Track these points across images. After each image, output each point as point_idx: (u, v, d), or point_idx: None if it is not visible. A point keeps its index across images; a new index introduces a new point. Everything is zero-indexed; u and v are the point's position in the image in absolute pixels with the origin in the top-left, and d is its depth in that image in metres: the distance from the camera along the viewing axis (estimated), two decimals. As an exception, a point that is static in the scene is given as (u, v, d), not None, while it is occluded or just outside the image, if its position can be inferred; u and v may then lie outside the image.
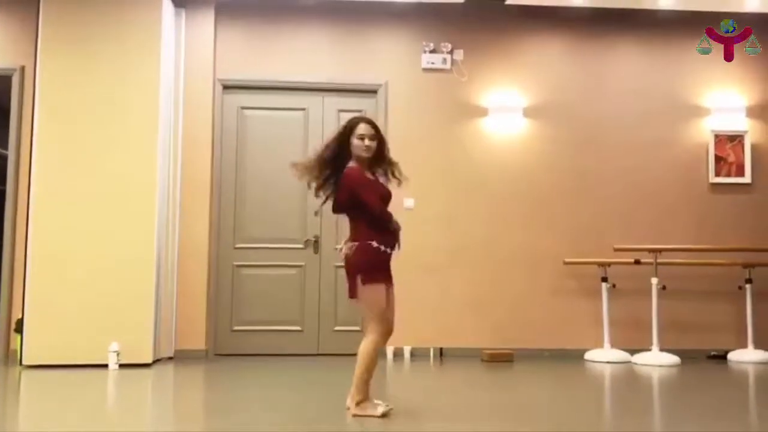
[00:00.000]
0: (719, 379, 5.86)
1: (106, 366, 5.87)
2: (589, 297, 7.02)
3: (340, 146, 4.09)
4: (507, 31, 7.29)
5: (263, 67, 7.09)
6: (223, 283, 6.92)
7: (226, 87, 7.04)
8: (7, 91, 6.78)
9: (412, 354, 6.90)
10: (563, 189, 7.18)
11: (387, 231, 4.01)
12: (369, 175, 4.10)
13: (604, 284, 6.87)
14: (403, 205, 6.68)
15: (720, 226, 7.22)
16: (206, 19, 6.98)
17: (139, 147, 6.18)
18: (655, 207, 7.22)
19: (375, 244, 3.95)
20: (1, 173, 7.03)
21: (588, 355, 6.84)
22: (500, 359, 6.62)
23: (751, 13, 7.19)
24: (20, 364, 5.97)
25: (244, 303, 6.93)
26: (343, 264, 4.11)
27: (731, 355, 6.89)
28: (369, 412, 3.94)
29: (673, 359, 6.52)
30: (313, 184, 4.12)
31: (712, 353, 6.99)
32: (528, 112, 7.23)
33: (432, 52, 7.18)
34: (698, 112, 7.36)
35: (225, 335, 6.89)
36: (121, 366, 5.88)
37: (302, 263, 7.01)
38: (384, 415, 3.92)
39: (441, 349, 6.96)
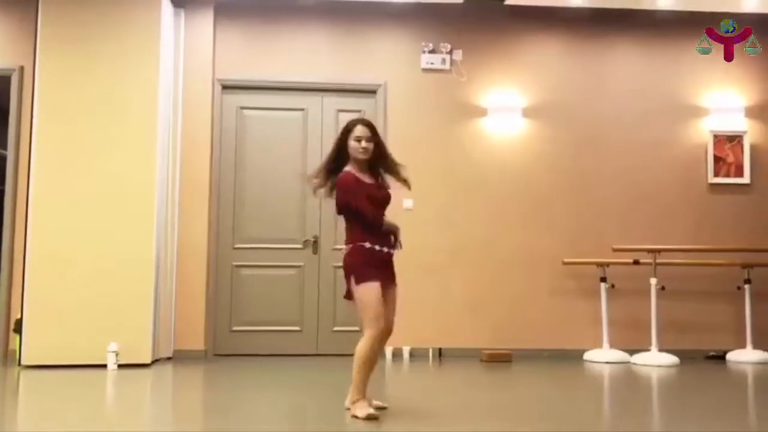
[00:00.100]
0: (718, 380, 5.86)
1: (104, 366, 5.87)
2: (588, 297, 7.02)
3: (339, 149, 4.14)
4: (506, 31, 7.30)
5: (262, 67, 7.09)
6: (222, 283, 6.92)
7: (225, 87, 7.04)
8: (6, 91, 6.78)
9: (411, 354, 6.90)
10: (562, 189, 7.18)
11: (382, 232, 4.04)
12: (365, 179, 4.11)
13: (603, 284, 6.87)
14: (402, 205, 6.68)
15: (719, 226, 7.22)
16: (205, 19, 6.98)
17: (138, 147, 6.18)
18: (654, 207, 7.23)
19: (368, 245, 3.99)
20: (0, 173, 7.03)
21: (587, 356, 6.84)
22: (499, 359, 6.62)
23: (749, 13, 7.19)
24: (19, 364, 5.97)
25: (243, 303, 6.93)
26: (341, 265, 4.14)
27: (730, 356, 6.90)
28: (356, 412, 3.93)
29: (672, 359, 6.53)
30: (321, 191, 4.19)
31: (711, 353, 7.00)
32: (527, 113, 7.23)
33: (431, 52, 7.18)
34: (697, 112, 7.36)
35: (224, 335, 6.89)
36: (120, 366, 5.88)
37: (301, 263, 7.02)
38: (369, 418, 3.86)
39: (440, 349, 6.96)
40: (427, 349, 6.95)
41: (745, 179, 7.31)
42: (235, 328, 6.91)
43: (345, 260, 4.06)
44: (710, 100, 7.36)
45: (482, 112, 7.19)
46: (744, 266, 6.89)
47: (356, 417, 3.91)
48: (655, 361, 6.50)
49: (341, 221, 4.21)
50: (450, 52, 7.20)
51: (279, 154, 7.04)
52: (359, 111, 7.00)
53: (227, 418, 4.04)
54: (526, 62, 7.30)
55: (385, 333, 4.02)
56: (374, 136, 4.12)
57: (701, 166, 7.33)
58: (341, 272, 4.18)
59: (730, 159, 7.32)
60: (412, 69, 7.18)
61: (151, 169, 6.18)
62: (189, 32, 6.94)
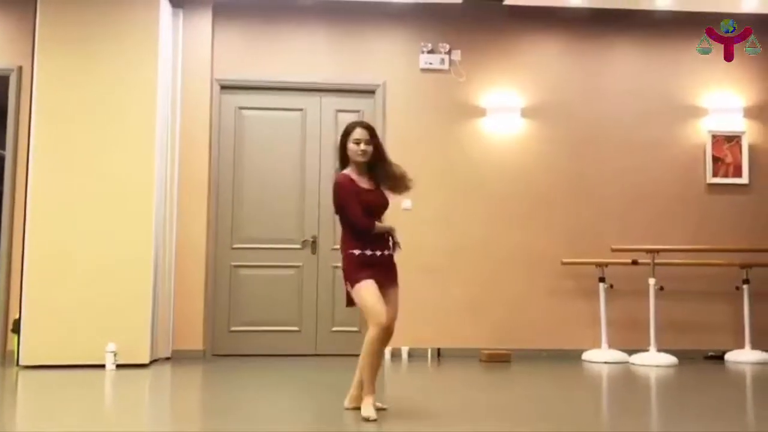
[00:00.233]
0: (716, 380, 5.87)
1: (103, 366, 5.86)
2: (586, 297, 7.02)
3: (341, 152, 4.17)
4: (505, 31, 7.30)
5: (261, 68, 7.09)
6: (220, 283, 6.92)
7: (224, 87, 7.03)
8: (4, 91, 6.77)
9: (410, 354, 6.89)
10: (561, 189, 7.18)
11: (375, 235, 4.06)
12: (363, 182, 4.11)
13: (601, 285, 6.87)
14: (401, 205, 6.67)
15: (717, 226, 7.22)
16: (204, 19, 6.98)
17: (137, 147, 6.17)
18: (653, 207, 7.23)
19: (357, 252, 4.02)
20: (-1, 173, 7.02)
21: (585, 356, 6.84)
22: (498, 359, 6.62)
23: (748, 13, 7.19)
24: (17, 364, 5.96)
25: (241, 303, 6.93)
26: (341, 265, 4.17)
27: (728, 356, 6.89)
28: (361, 408, 3.96)
29: (671, 359, 6.53)
30: None
31: (710, 353, 7.00)
32: (526, 113, 7.23)
33: (430, 52, 7.18)
34: (696, 112, 7.37)
35: (222, 335, 6.88)
36: (119, 366, 5.87)
37: (300, 264, 7.01)
38: (365, 420, 3.87)
39: (439, 349, 6.96)
40: (426, 349, 6.95)
41: (744, 179, 7.31)
42: (233, 328, 6.90)
43: (342, 267, 4.12)
44: (709, 101, 7.37)
45: (481, 113, 7.19)
46: (742, 266, 6.89)
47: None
48: (654, 361, 6.50)
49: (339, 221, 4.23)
50: (449, 53, 7.19)
51: (278, 154, 7.04)
52: (358, 111, 7.01)
53: (226, 419, 4.03)
54: (525, 62, 7.30)
55: (386, 331, 4.01)
56: (373, 138, 4.13)
57: (700, 167, 7.33)
58: (340, 272, 4.20)
59: (729, 159, 7.32)
60: (410, 69, 7.18)
61: (149, 169, 6.18)
62: (187, 32, 6.94)
